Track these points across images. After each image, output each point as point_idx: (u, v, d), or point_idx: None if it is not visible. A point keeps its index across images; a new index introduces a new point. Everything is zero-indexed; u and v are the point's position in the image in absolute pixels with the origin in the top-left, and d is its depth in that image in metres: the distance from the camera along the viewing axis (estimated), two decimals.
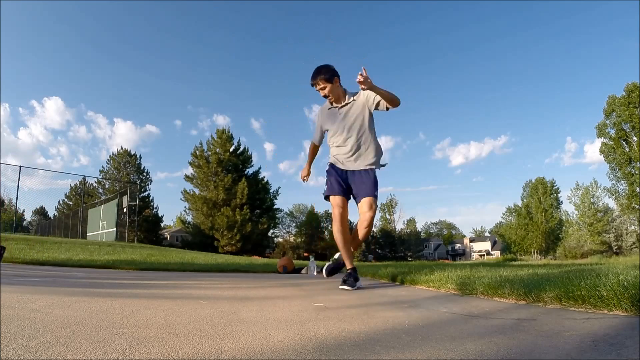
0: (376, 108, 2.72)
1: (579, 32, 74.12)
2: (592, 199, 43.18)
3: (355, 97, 2.78)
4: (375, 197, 2.75)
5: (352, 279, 2.57)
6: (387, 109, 2.68)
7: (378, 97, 2.63)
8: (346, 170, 2.80)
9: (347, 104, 2.78)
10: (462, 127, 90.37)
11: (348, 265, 2.73)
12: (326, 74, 2.72)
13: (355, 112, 2.76)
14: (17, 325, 1.08)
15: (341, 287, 2.54)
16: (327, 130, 2.94)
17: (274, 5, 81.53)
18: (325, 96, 2.78)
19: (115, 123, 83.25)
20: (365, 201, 2.70)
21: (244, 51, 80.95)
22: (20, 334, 0.99)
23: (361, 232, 2.79)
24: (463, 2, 77.24)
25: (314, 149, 3.19)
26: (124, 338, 0.99)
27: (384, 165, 2.88)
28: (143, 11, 78.59)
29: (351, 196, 2.82)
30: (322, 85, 2.72)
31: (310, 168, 3.23)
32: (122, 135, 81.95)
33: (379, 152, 2.83)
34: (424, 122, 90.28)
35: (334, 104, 2.82)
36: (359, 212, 2.79)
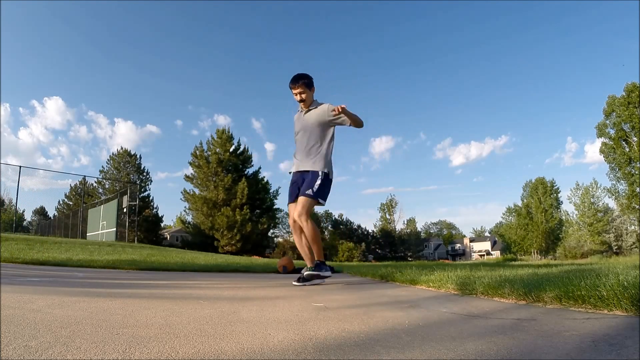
0: (336, 123, 2.98)
1: (579, 32, 74.19)
2: (592, 199, 43.23)
3: (316, 107, 3.00)
4: (311, 196, 2.87)
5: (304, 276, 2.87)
6: (350, 125, 2.94)
7: (336, 119, 2.90)
8: (298, 172, 3.05)
9: (309, 110, 3.02)
10: (463, 127, 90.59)
11: (309, 264, 3.00)
12: (307, 79, 2.99)
13: (312, 120, 2.99)
14: (17, 325, 1.08)
15: (294, 283, 2.82)
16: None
17: (274, 6, 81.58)
18: (301, 100, 3.01)
19: (115, 123, 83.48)
20: (300, 198, 2.92)
21: (245, 51, 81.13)
22: (20, 334, 0.99)
23: (303, 226, 3.01)
24: (463, 2, 77.28)
25: None
26: (124, 338, 0.99)
27: (328, 175, 2.99)
28: (143, 11, 78.66)
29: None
30: (301, 90, 2.97)
31: None
32: (123, 135, 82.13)
33: (326, 161, 2.99)
34: (424, 122, 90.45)
35: (302, 110, 3.07)
36: None
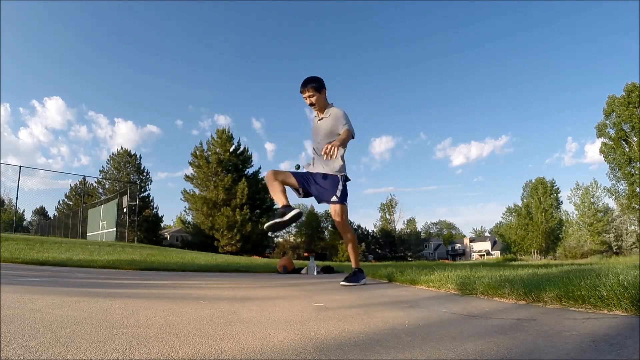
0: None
1: (578, 32, 74.18)
2: (592, 199, 43.23)
3: (328, 114, 2.94)
4: (336, 202, 2.87)
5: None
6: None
7: (340, 131, 2.84)
8: (318, 173, 2.98)
9: (323, 118, 2.96)
10: (463, 127, 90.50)
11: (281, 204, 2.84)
12: (316, 83, 2.91)
13: (326, 128, 2.94)
14: (17, 325, 1.08)
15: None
16: None
17: (275, 6, 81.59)
18: (311, 104, 2.95)
19: (116, 123, 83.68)
20: (330, 208, 2.92)
21: (245, 51, 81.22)
22: (20, 334, 0.99)
23: (344, 235, 2.99)
24: (463, 2, 77.28)
25: None
26: (124, 338, 0.99)
27: (346, 178, 2.99)
28: (144, 11, 78.70)
29: (305, 194, 3.01)
30: (311, 94, 2.91)
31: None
32: (123, 135, 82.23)
33: (342, 165, 2.97)
34: (425, 122, 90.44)
35: (317, 114, 3.01)
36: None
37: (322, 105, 2.96)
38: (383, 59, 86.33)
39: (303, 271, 4.69)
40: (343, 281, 2.85)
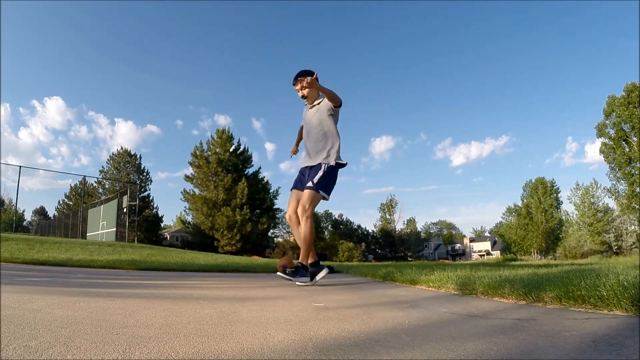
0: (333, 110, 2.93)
1: (578, 32, 74.19)
2: (592, 199, 43.25)
3: (320, 102, 2.98)
4: (311, 187, 2.80)
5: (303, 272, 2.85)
6: (334, 108, 2.89)
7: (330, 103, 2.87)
8: (306, 167, 3.01)
9: (314, 106, 3.01)
10: (463, 127, 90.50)
11: (311, 260, 2.88)
12: (310, 76, 2.88)
13: (314, 115, 2.98)
14: (17, 325, 1.08)
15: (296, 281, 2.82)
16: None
17: (275, 6, 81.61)
18: (303, 97, 3.01)
19: (116, 123, 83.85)
20: (303, 192, 2.84)
21: (245, 51, 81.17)
22: (20, 334, 0.98)
23: (301, 222, 2.83)
24: (464, 2, 77.28)
25: (301, 131, 3.34)
26: (124, 338, 0.99)
27: (334, 167, 2.91)
28: (144, 11, 78.72)
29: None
30: (303, 86, 2.91)
31: (297, 146, 3.49)
32: (123, 135, 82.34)
33: (332, 153, 2.91)
34: (425, 122, 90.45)
35: (308, 105, 3.07)
36: None
37: (314, 98, 3.02)
38: (383, 59, 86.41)
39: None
40: (281, 272, 2.81)
